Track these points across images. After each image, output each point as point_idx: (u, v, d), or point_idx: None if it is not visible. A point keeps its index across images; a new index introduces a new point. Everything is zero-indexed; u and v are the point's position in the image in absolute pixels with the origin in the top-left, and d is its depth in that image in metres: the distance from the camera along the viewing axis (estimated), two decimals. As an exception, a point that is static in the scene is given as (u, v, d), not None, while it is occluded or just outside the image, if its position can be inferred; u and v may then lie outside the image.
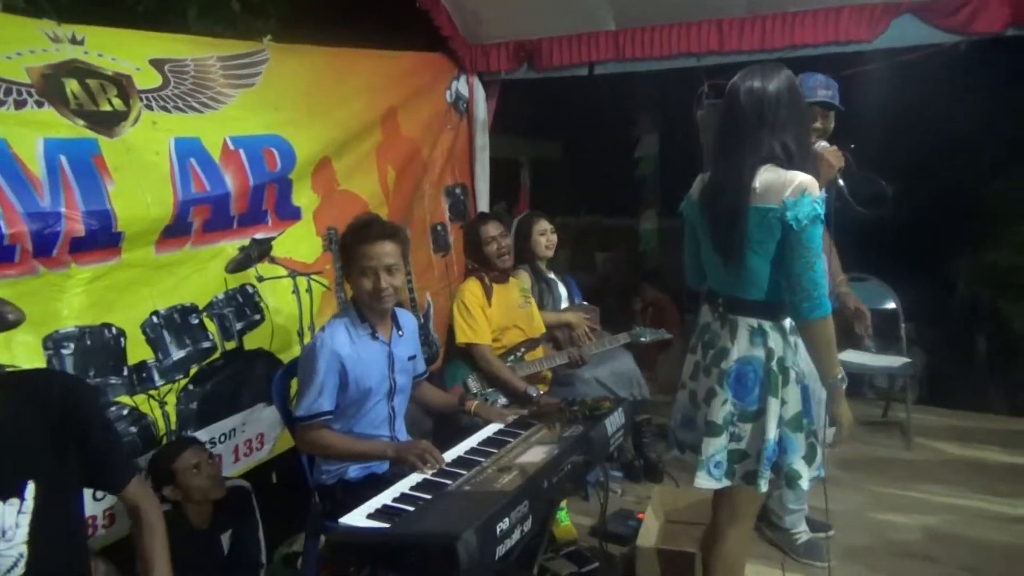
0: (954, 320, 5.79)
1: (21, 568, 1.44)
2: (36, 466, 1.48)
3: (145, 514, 1.64)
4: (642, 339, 3.35)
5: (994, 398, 4.98)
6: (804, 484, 1.93)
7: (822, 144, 2.36)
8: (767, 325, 1.92)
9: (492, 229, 3.13)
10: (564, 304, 3.76)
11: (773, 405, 1.89)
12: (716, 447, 1.96)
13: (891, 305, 3.93)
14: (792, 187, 1.80)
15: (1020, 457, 3.62)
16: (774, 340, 1.91)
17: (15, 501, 1.44)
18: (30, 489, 1.46)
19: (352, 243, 2.23)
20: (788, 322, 1.93)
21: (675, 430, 2.18)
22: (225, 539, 2.32)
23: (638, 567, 2.54)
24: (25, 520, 1.45)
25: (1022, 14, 3.04)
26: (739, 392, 1.94)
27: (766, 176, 1.85)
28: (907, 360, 3.80)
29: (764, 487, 1.92)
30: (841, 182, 2.23)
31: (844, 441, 2.02)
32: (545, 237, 3.50)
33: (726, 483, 1.97)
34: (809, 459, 1.96)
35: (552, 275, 3.67)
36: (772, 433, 1.89)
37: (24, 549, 1.45)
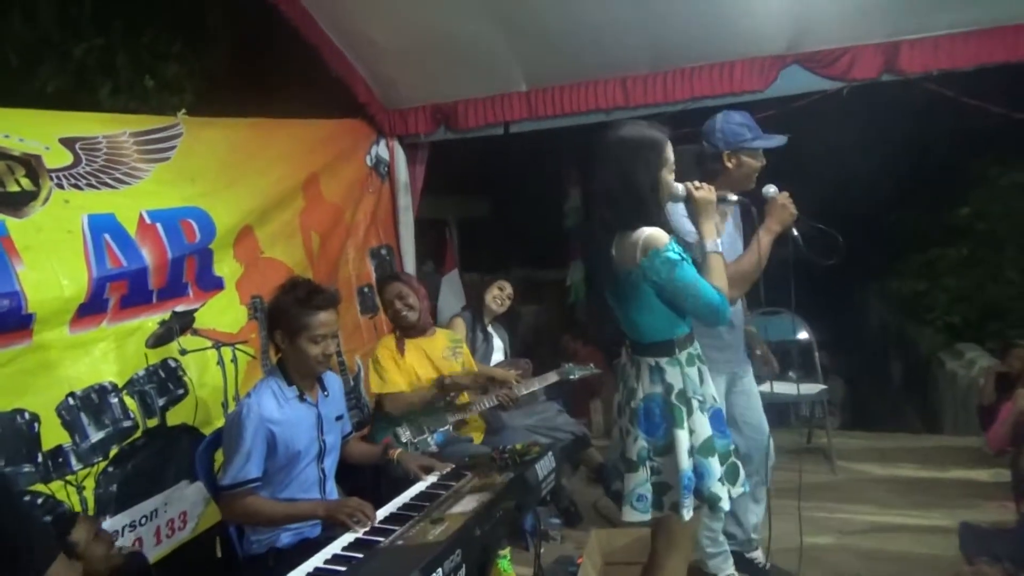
0: (867, 346, 6.09)
1: None
2: None
3: None
4: (571, 376, 3.42)
5: (909, 418, 5.22)
6: (725, 505, 2.02)
7: (771, 189, 2.41)
8: (663, 362, 2.03)
9: (393, 290, 3.25)
10: (500, 356, 3.84)
11: (680, 436, 1.99)
12: (636, 481, 2.04)
13: (804, 336, 4.13)
14: (639, 248, 1.94)
15: (934, 471, 3.82)
16: (671, 375, 2.02)
17: None
18: None
19: (298, 310, 2.23)
20: (686, 354, 2.04)
21: (611, 467, 2.26)
22: None
23: (580, 612, 2.54)
24: None
25: (894, 62, 3.33)
26: (649, 428, 2.04)
27: (619, 241, 1.99)
28: (823, 387, 3.98)
29: (687, 515, 1.99)
30: (795, 232, 2.31)
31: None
32: (503, 293, 3.81)
33: (655, 514, 2.04)
34: (730, 478, 2.05)
35: (491, 329, 3.78)
36: (685, 463, 1.98)
37: None
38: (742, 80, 3.61)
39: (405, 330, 3.23)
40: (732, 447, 2.10)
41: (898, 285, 6.02)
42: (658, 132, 2.06)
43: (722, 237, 2.23)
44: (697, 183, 2.11)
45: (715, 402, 2.10)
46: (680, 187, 2.09)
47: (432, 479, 2.35)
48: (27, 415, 2.27)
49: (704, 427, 2.02)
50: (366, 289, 4.04)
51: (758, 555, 2.91)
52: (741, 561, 2.87)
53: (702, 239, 2.09)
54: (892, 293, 6.13)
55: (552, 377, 3.38)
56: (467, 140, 4.20)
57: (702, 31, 3.43)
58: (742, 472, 2.11)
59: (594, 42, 3.56)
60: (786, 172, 2.81)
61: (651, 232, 1.95)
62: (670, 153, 2.06)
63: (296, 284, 2.33)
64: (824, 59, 3.47)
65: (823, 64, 3.49)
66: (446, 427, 3.14)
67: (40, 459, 2.28)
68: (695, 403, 2.02)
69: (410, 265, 4.37)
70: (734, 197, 2.26)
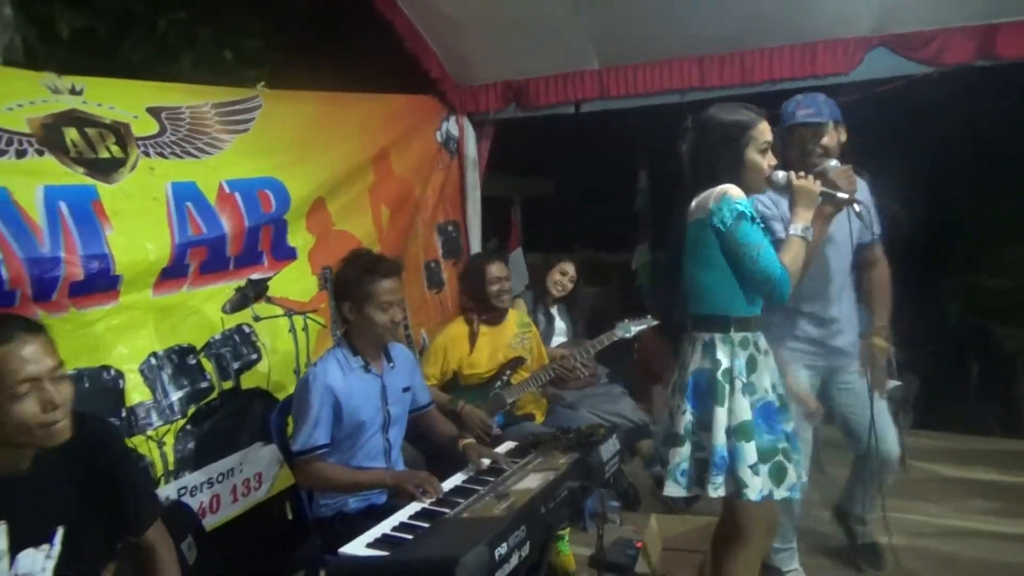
0: (946, 344, 5.82)
1: None
2: (67, 511, 1.49)
3: (160, 554, 1.67)
4: (627, 334, 3.30)
5: (988, 420, 4.99)
6: (752, 495, 1.97)
7: (832, 163, 2.38)
8: (717, 338, 2.04)
9: (496, 270, 3.17)
10: (562, 339, 3.83)
11: (719, 413, 2.00)
12: (680, 456, 2.06)
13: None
14: (714, 195, 1.97)
15: (1015, 477, 3.64)
16: (721, 352, 2.03)
17: (45, 547, 1.45)
18: (59, 534, 1.47)
19: (365, 279, 2.27)
20: (741, 336, 2.03)
21: (658, 447, 2.25)
22: (185, 548, 2.29)
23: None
24: (51, 565, 1.46)
25: (990, 46, 3.15)
26: (696, 403, 2.06)
27: (699, 196, 2.03)
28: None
29: (712, 493, 2.00)
30: (857, 208, 2.21)
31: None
32: (565, 277, 3.72)
33: (695, 491, 2.06)
34: (774, 478, 2.01)
35: (554, 310, 3.75)
36: (720, 440, 1.99)
37: None
38: (825, 62, 3.46)
39: (492, 314, 3.17)
40: (782, 447, 2.04)
41: (980, 281, 5.75)
42: (750, 112, 2.06)
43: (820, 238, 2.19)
44: (802, 172, 2.09)
45: (767, 395, 2.05)
46: (781, 175, 2.07)
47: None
48: (113, 372, 2.38)
49: (743, 410, 2.00)
50: (433, 264, 4.08)
51: (861, 528, 2.90)
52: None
53: (792, 222, 2.05)
54: (973, 289, 5.85)
55: (608, 338, 3.28)
56: (535, 118, 4.18)
57: (783, 9, 3.30)
58: (791, 475, 2.05)
59: (670, 19, 3.47)
60: (865, 161, 2.71)
61: (730, 185, 1.98)
62: (761, 133, 2.04)
63: (359, 255, 2.38)
64: (913, 42, 3.30)
65: (912, 47, 3.32)
66: (505, 408, 3.15)
67: (124, 414, 2.39)
68: (738, 384, 2.01)
69: (476, 242, 4.39)
70: (843, 195, 2.17)
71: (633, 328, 3.32)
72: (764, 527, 2.17)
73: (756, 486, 1.98)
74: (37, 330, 1.42)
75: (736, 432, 1.99)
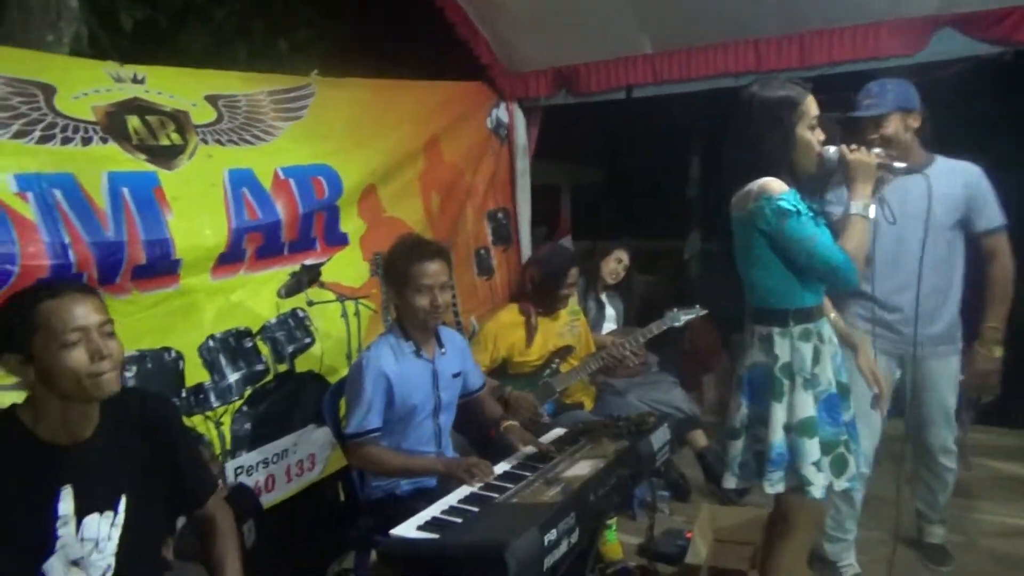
0: (1010, 338, 5.62)
1: None
2: (130, 481, 1.54)
3: (220, 524, 1.71)
4: (676, 322, 3.28)
5: (1055, 416, 4.78)
6: (816, 492, 1.92)
7: (831, 150, 2.15)
8: (775, 332, 1.97)
9: (575, 274, 3.17)
10: (612, 326, 3.81)
11: (776, 410, 1.94)
12: (736, 449, 2.03)
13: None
14: (753, 194, 1.89)
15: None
16: (780, 347, 1.95)
17: (110, 514, 1.50)
18: (123, 503, 1.52)
19: (405, 262, 2.28)
20: (801, 328, 1.95)
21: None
22: (247, 530, 2.35)
23: (689, 586, 2.51)
24: (116, 533, 1.51)
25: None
26: (752, 397, 2.01)
27: (738, 192, 1.95)
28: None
29: (769, 489, 1.96)
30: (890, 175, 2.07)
31: None
32: (620, 265, 3.72)
33: (752, 484, 2.04)
34: (835, 470, 1.95)
35: (604, 297, 3.73)
36: (777, 437, 1.93)
37: (112, 560, 1.51)
38: (888, 44, 3.32)
39: (555, 304, 3.14)
40: (843, 438, 1.98)
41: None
42: (796, 87, 1.96)
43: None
44: (853, 145, 1.97)
45: (830, 386, 1.98)
46: (832, 150, 1.97)
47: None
48: (173, 353, 2.45)
49: (805, 406, 1.93)
50: (483, 251, 4.08)
51: (931, 528, 2.85)
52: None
53: (850, 200, 1.94)
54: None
55: (658, 327, 3.25)
56: (584, 104, 4.13)
57: (844, -12, 3.20)
58: (852, 466, 1.99)
59: (725, 1, 3.39)
60: (932, 145, 2.61)
61: (768, 180, 1.88)
62: (810, 108, 1.94)
63: (403, 239, 2.39)
64: (985, 20, 3.15)
65: (983, 26, 3.16)
66: (555, 396, 3.15)
67: (184, 394, 2.46)
68: (800, 380, 1.94)
69: (525, 229, 4.38)
70: (901, 165, 2.04)
71: (683, 317, 3.29)
72: (811, 520, 2.12)
73: (820, 482, 1.92)
74: (88, 291, 1.48)
75: (798, 428, 1.92)
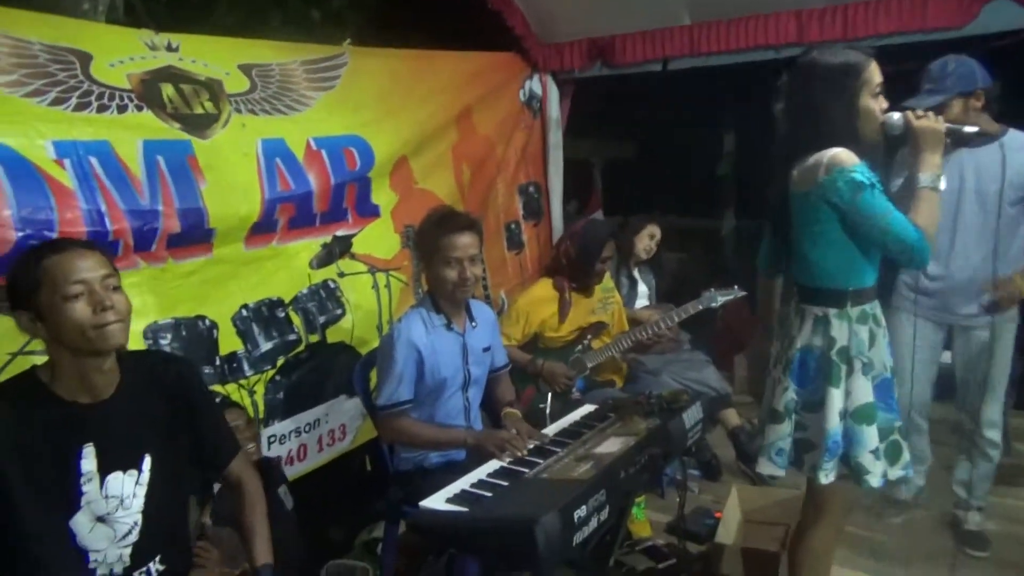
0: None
1: (135, 536, 1.53)
2: (153, 441, 1.57)
3: (247, 488, 1.73)
4: (713, 304, 3.21)
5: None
6: (873, 481, 1.87)
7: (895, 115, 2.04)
8: (832, 313, 1.88)
9: (610, 249, 3.11)
10: (644, 302, 3.77)
11: (834, 395, 1.86)
12: (778, 434, 1.96)
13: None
14: (823, 167, 1.79)
15: None
16: (837, 329, 1.87)
17: (134, 473, 1.53)
18: (147, 462, 1.55)
19: (434, 234, 2.27)
20: (859, 310, 1.88)
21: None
22: (282, 494, 2.37)
23: (722, 565, 2.49)
24: (141, 491, 1.54)
25: None
26: (802, 380, 1.93)
27: (800, 165, 1.85)
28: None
29: (824, 479, 1.89)
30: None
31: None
32: (653, 241, 3.69)
33: (791, 471, 1.98)
34: (890, 457, 1.90)
35: (636, 273, 3.69)
36: (833, 424, 1.86)
37: (139, 518, 1.54)
38: (937, 15, 3.19)
39: (590, 280, 3.10)
40: (898, 424, 1.93)
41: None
42: (858, 53, 1.86)
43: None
44: (920, 111, 1.86)
45: (885, 370, 1.92)
46: (896, 115, 1.86)
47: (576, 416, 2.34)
48: (207, 321, 2.47)
49: (864, 392, 1.86)
50: (513, 225, 4.05)
51: (969, 515, 2.80)
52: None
53: (918, 172, 1.84)
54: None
55: (693, 307, 3.19)
56: (618, 77, 4.05)
57: (891, -44, 3.08)
58: (906, 454, 1.94)
59: (766, -30, 3.29)
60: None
61: (838, 151, 1.79)
62: (874, 75, 1.84)
63: (434, 210, 2.38)
64: (1044, -12, 3.02)
65: (1041, -6, 3.03)
66: (586, 371, 3.13)
67: (218, 363, 2.48)
68: (858, 364, 1.86)
69: (557, 204, 4.33)
70: (972, 129, 1.95)
71: (720, 298, 3.22)
72: (843, 506, 2.07)
73: (878, 471, 1.87)
74: (91, 246, 1.49)
75: (856, 415, 1.86)
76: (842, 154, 1.79)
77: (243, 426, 2.30)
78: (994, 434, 2.69)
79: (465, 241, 2.25)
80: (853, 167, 1.77)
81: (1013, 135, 2.48)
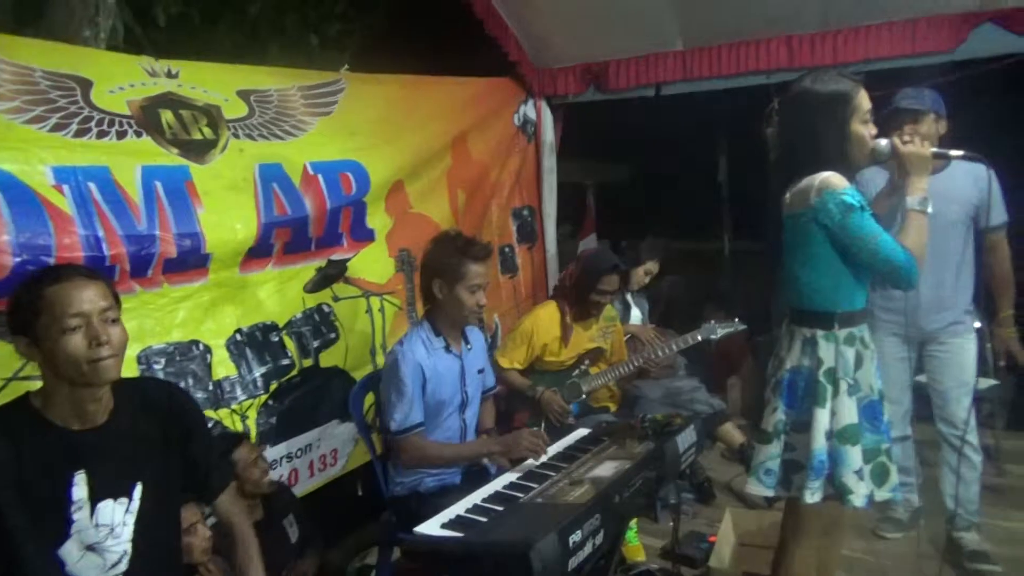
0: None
1: (124, 564, 1.52)
2: (145, 469, 1.56)
3: (239, 528, 1.72)
4: (713, 336, 3.23)
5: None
6: (857, 501, 1.88)
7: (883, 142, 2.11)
8: (819, 335, 1.92)
9: (610, 284, 3.05)
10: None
11: (820, 416, 1.89)
12: (767, 454, 1.98)
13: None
14: (814, 189, 1.84)
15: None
16: (824, 350, 1.91)
17: (124, 501, 1.52)
18: (138, 490, 1.54)
19: (458, 259, 2.29)
20: (846, 332, 1.91)
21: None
22: (287, 524, 2.37)
23: (713, 590, 2.49)
24: (131, 519, 1.52)
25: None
26: (790, 401, 1.96)
27: (793, 187, 1.91)
28: (994, 382, 3.62)
29: (809, 499, 1.90)
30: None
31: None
32: (647, 277, 3.80)
33: (779, 492, 1.98)
34: (876, 478, 1.92)
35: (630, 297, 3.72)
36: (819, 445, 1.88)
37: (128, 547, 1.52)
38: (926, 40, 3.26)
39: (588, 309, 3.10)
40: (886, 446, 1.95)
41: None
42: (848, 80, 1.90)
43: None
44: (906, 137, 1.91)
45: (872, 392, 1.94)
46: (884, 143, 1.91)
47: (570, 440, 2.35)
48: (202, 346, 2.47)
49: (848, 412, 1.89)
50: (507, 249, 4.08)
51: (968, 536, 2.80)
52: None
53: (906, 195, 1.89)
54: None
55: (692, 338, 3.20)
56: (611, 102, 4.10)
57: (881, -17, 3.14)
58: (894, 476, 1.95)
59: (758, -5, 3.35)
60: (969, 145, 2.56)
61: (829, 174, 1.84)
62: (863, 102, 1.89)
63: (454, 235, 2.39)
64: (1027, 16, 3.07)
65: (1024, 21, 3.09)
66: (581, 397, 3.13)
67: (211, 387, 2.48)
68: (843, 385, 1.90)
69: (551, 228, 4.36)
70: (958, 153, 2.00)
71: (720, 331, 3.24)
72: (819, 526, 2.05)
73: (861, 491, 1.88)
74: (94, 276, 1.48)
75: (840, 435, 1.88)
76: (833, 177, 1.84)
77: (256, 459, 2.31)
78: (972, 436, 2.77)
79: (485, 269, 2.31)
80: (844, 190, 1.82)
81: (955, 164, 2.62)
